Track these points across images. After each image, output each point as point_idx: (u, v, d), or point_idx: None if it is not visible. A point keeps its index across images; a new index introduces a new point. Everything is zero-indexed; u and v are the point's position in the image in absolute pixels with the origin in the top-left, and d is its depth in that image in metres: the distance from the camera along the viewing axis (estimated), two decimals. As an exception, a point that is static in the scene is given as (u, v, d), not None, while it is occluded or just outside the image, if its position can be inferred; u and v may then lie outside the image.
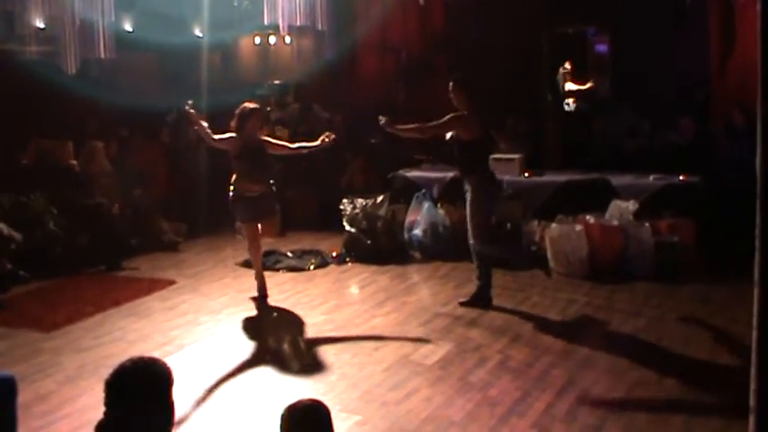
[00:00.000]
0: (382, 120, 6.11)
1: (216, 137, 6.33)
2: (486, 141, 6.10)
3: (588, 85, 10.08)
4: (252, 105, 6.53)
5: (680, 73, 9.07)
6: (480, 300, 6.09)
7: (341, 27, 10.81)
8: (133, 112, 9.73)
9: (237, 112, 6.41)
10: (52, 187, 7.80)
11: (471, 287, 6.41)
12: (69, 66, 7.87)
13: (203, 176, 9.58)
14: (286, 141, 6.99)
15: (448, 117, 5.96)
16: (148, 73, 11.30)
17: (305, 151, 6.75)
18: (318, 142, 6.48)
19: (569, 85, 10.15)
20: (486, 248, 6.02)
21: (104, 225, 7.85)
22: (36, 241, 7.22)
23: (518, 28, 9.77)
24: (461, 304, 6.13)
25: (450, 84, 6.05)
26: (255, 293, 6.57)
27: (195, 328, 5.83)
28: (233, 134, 6.36)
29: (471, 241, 6.07)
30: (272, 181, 6.55)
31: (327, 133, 6.56)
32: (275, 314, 6.23)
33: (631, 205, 7.25)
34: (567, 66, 10.14)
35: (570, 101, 10.24)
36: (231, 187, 6.43)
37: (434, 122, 6.02)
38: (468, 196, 6.06)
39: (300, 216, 9.48)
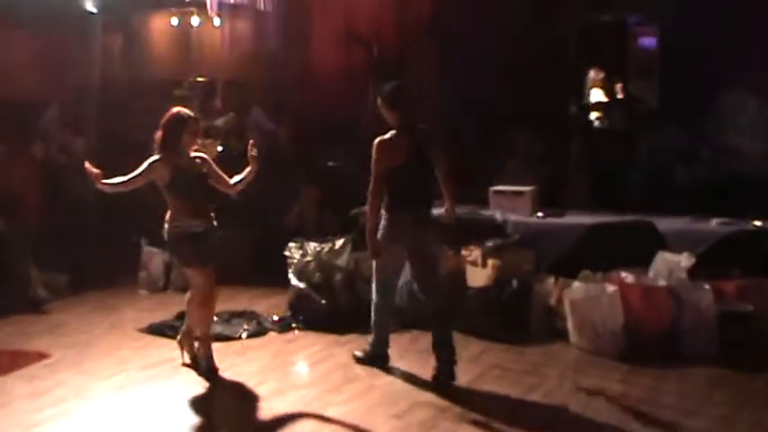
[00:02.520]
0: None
1: (133, 175, 6.31)
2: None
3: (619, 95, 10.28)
4: (186, 111, 6.55)
5: (754, 77, 9.24)
6: (377, 359, 6.74)
7: (290, 8, 10.94)
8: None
9: (166, 120, 6.42)
10: None
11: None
12: None
13: (92, 204, 9.56)
14: (214, 159, 7.03)
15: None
16: (17, 58, 11.23)
17: (239, 188, 6.84)
18: (246, 172, 6.73)
19: (596, 94, 10.34)
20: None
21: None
22: None
23: (534, 15, 9.94)
24: (355, 358, 6.84)
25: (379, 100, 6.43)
26: (180, 363, 6.72)
27: (72, 422, 5.74)
28: (156, 157, 6.37)
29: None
30: (212, 214, 6.62)
31: (251, 143, 6.67)
32: (201, 399, 6.21)
33: (685, 259, 7.32)
34: (596, 71, 10.34)
35: (597, 115, 10.42)
36: (166, 226, 6.44)
37: None
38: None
39: (230, 265, 9.47)
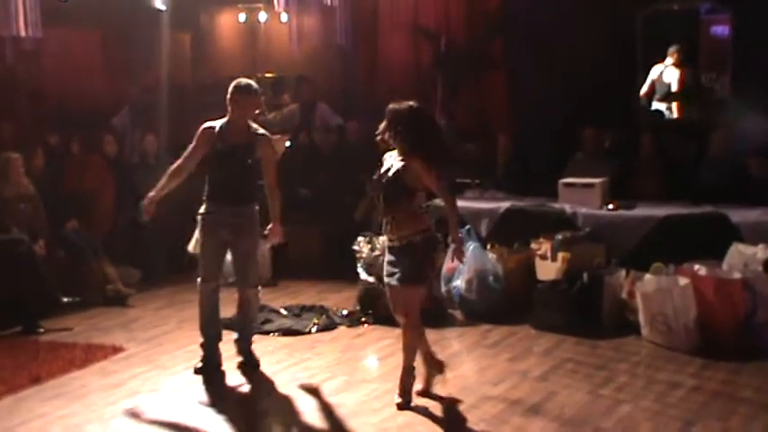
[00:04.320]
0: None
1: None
2: None
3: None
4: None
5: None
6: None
7: (357, 2, 10.99)
8: (65, 111, 9.87)
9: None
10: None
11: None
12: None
13: (165, 203, 9.70)
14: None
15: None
16: (87, 58, 11.41)
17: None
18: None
19: (670, 79, 10.19)
20: None
21: (23, 270, 7.94)
22: None
23: (601, 5, 9.87)
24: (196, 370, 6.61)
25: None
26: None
27: (148, 415, 5.84)
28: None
29: None
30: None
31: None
32: (268, 394, 6.28)
33: (761, 251, 7.24)
34: (673, 56, 10.22)
35: (671, 106, 10.29)
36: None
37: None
38: None
39: (300, 259, 9.55)
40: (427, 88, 11.12)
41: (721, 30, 10.24)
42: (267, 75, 11.66)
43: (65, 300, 8.34)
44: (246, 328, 6.82)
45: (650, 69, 10.38)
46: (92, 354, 7.07)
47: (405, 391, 5.90)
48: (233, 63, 12.20)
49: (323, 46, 11.92)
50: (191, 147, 6.53)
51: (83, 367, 6.78)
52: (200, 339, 6.72)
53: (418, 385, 6.01)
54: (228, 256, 6.72)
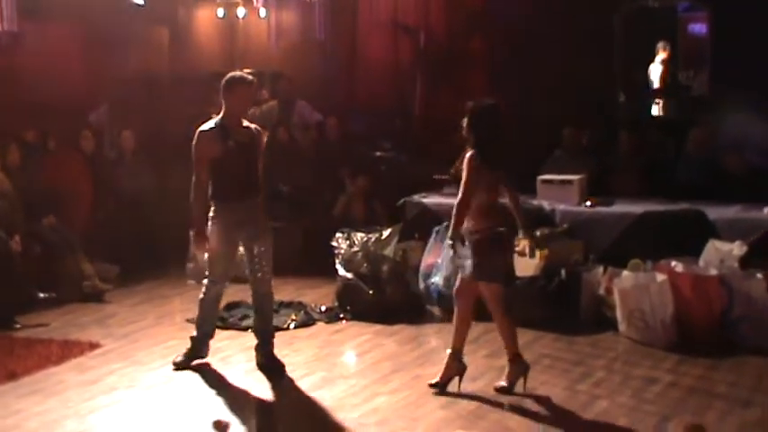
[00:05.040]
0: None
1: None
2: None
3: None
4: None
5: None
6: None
7: (337, -3, 10.99)
8: (42, 107, 9.84)
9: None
10: None
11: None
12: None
13: (142, 199, 9.70)
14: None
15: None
16: (64, 53, 11.34)
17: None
18: None
19: (654, 76, 10.24)
20: None
21: (-1, 266, 7.93)
22: None
23: (582, 2, 9.90)
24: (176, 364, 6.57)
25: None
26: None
27: (125, 411, 5.83)
28: (205, 128, 6.33)
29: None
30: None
31: None
32: (245, 391, 6.26)
33: (736, 248, 7.29)
34: (663, 52, 10.26)
35: (659, 102, 10.35)
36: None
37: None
38: None
39: (278, 255, 9.55)
40: (407, 85, 11.14)
41: (699, 28, 10.32)
42: (245, 71, 11.60)
43: (41, 295, 8.33)
44: (270, 330, 6.72)
45: (628, 66, 10.41)
46: (68, 350, 7.03)
47: (509, 380, 6.01)
48: (211, 59, 12.18)
49: (302, 42, 11.91)
50: (195, 158, 6.32)
51: (59, 363, 6.74)
52: (191, 333, 6.69)
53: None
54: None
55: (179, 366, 6.58)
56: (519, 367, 6.01)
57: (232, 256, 6.55)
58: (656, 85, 10.48)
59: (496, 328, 6.12)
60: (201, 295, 6.60)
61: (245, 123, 6.51)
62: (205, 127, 6.34)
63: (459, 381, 6.06)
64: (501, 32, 10.54)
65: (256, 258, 6.51)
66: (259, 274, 6.55)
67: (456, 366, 6.07)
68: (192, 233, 6.51)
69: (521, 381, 6.00)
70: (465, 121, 5.97)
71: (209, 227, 6.41)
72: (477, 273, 5.87)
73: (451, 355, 6.08)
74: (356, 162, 10.06)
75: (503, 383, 6.02)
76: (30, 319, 7.89)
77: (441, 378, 6.06)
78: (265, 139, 9.06)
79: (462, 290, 6.05)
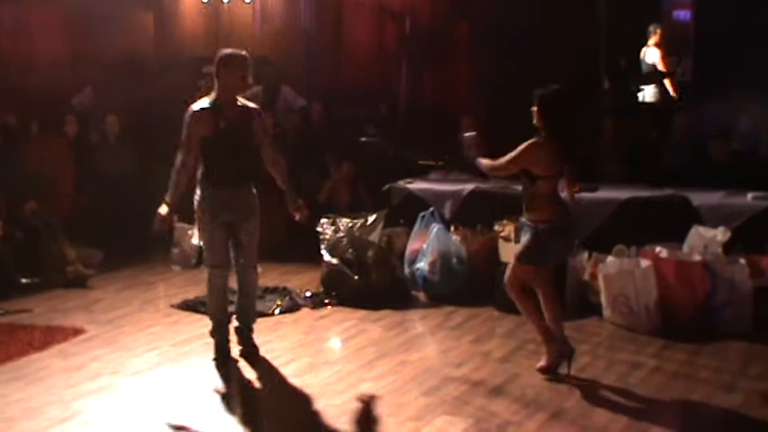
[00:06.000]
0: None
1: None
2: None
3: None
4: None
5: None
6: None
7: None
8: (24, 91, 9.78)
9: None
10: None
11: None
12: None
13: (126, 184, 9.67)
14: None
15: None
16: (47, 37, 11.27)
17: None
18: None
19: (653, 59, 10.20)
20: None
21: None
22: None
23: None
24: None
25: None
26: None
27: (110, 396, 5.82)
28: (197, 107, 6.22)
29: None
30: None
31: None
32: (230, 377, 6.26)
33: (720, 234, 7.30)
34: (656, 35, 10.25)
35: (650, 89, 10.34)
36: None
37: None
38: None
39: (262, 241, 9.53)
40: (392, 70, 11.11)
41: (684, 14, 10.32)
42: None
43: (23, 281, 8.30)
44: (251, 314, 6.65)
45: (611, 52, 10.42)
46: (51, 336, 7.01)
47: (549, 360, 6.04)
48: (195, 43, 12.11)
49: (287, 27, 11.88)
50: (184, 136, 6.21)
51: (42, 350, 6.71)
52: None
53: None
54: None
55: (217, 362, 6.41)
56: (564, 348, 6.03)
57: (226, 240, 6.42)
58: (660, 67, 10.46)
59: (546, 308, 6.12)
60: (207, 284, 6.48)
61: (241, 102, 6.36)
62: (197, 106, 6.24)
63: (569, 363, 6.04)
64: (485, 17, 10.50)
65: (242, 243, 6.45)
66: (242, 260, 6.49)
67: (561, 348, 6.04)
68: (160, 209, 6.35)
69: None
70: (534, 110, 5.95)
71: (196, 211, 6.35)
72: (520, 255, 5.99)
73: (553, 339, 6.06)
74: (341, 147, 10.04)
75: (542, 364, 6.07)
76: (12, 304, 7.85)
77: (548, 363, 6.06)
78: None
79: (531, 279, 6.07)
